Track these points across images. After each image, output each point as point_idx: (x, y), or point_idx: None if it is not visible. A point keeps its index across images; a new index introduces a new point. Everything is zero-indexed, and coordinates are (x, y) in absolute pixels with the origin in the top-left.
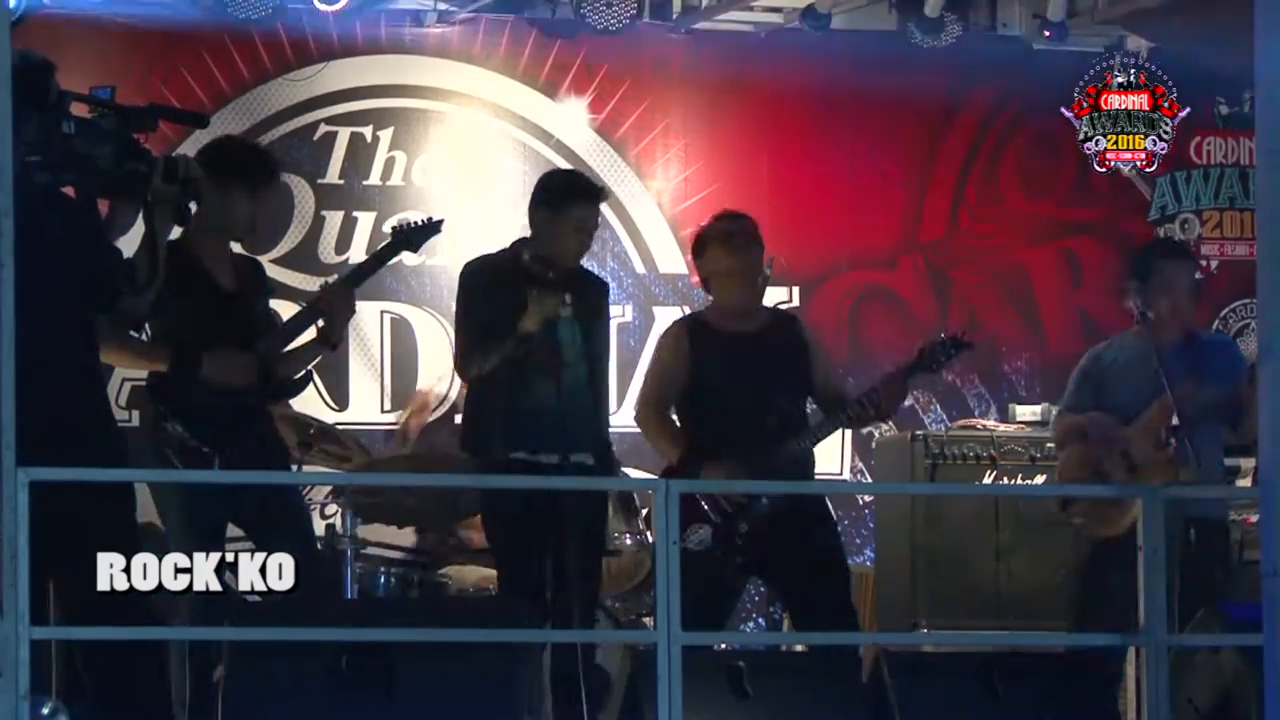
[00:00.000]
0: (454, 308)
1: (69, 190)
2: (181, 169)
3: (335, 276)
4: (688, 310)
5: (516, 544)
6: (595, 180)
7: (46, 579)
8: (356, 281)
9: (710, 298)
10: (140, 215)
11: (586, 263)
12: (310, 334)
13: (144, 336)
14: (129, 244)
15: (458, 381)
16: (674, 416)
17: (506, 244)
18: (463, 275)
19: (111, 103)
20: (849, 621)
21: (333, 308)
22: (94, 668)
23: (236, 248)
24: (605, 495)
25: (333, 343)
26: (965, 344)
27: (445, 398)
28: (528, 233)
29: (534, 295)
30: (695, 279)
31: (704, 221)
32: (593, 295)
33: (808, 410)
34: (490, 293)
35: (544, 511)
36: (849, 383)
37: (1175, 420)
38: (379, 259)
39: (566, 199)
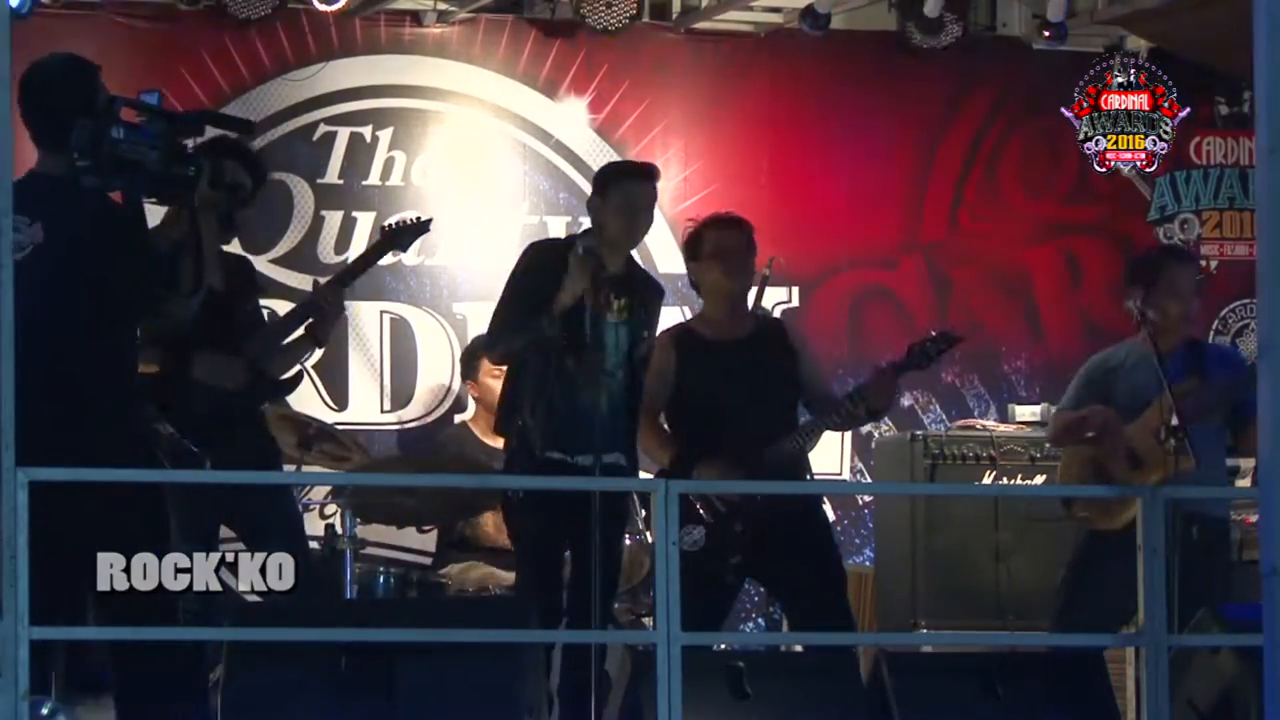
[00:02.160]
0: (446, 310)
1: (115, 195)
2: (229, 175)
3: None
4: (688, 311)
5: (540, 542)
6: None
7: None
8: (346, 281)
9: (700, 300)
10: (187, 220)
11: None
12: (299, 332)
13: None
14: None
15: (458, 382)
16: (663, 423)
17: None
18: (521, 256)
19: (159, 108)
20: (844, 622)
21: (323, 307)
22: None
23: (229, 246)
24: (628, 496)
25: (320, 341)
26: (955, 338)
27: (447, 395)
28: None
29: (576, 258)
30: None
31: (699, 217)
32: (647, 298)
33: (798, 414)
34: (537, 272)
35: (570, 511)
36: (842, 378)
37: (1175, 419)
38: (367, 259)
39: (614, 179)
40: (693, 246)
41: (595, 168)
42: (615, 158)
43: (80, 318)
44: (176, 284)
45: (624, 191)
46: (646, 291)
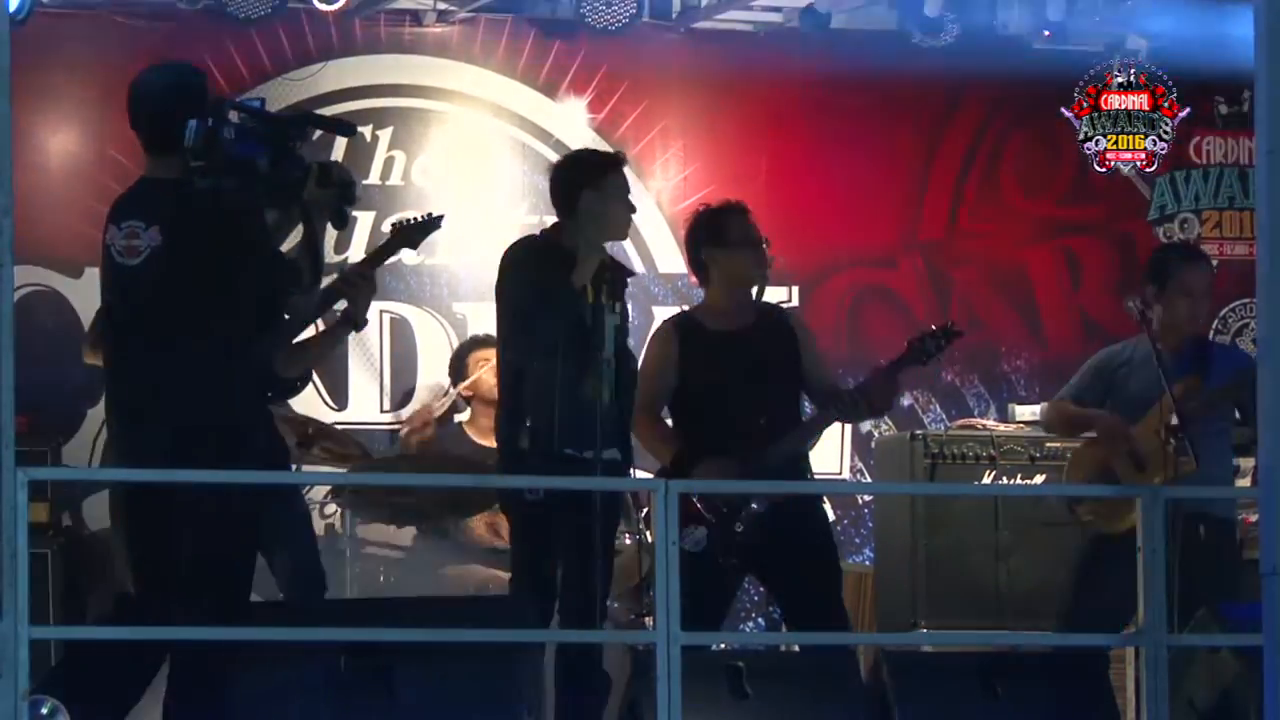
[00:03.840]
0: (446, 310)
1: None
2: (335, 174)
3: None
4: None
5: (537, 541)
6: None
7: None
8: (374, 264)
9: (703, 291)
10: (299, 219)
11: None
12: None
13: None
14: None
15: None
16: (666, 418)
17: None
18: (504, 257)
19: (264, 110)
20: (840, 623)
21: (356, 291)
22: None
23: None
24: (621, 494)
25: (359, 324)
26: (954, 333)
27: (446, 400)
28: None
29: (583, 250)
30: (693, 277)
31: (708, 202)
32: (622, 283)
33: (801, 407)
34: (533, 268)
35: (567, 508)
36: (842, 377)
37: (1175, 419)
38: (380, 255)
39: (603, 170)
40: (714, 233)
41: None
42: None
43: (209, 320)
44: (298, 280)
45: (617, 182)
46: (620, 273)
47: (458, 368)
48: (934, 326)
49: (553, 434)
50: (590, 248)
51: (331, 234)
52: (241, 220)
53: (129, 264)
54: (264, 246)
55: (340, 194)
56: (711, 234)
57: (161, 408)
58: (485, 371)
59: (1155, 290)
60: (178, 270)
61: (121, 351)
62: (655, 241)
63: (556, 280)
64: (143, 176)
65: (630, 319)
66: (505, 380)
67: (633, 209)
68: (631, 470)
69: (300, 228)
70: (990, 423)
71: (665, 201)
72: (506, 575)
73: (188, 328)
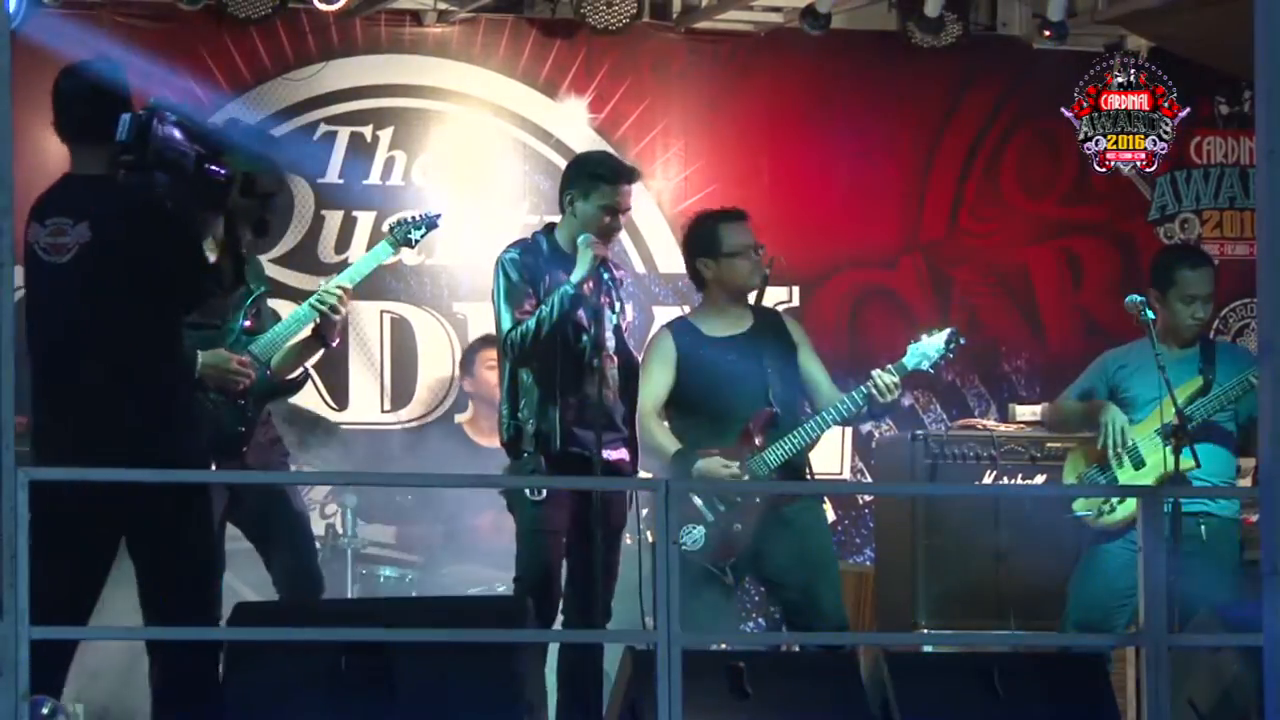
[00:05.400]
0: (446, 310)
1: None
2: (260, 185)
3: (332, 276)
4: (687, 310)
5: (543, 541)
6: (625, 161)
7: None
8: (356, 278)
9: (700, 295)
10: (221, 224)
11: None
12: (306, 332)
13: None
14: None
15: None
16: (663, 420)
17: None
18: (499, 259)
19: (194, 118)
20: (840, 623)
21: (325, 313)
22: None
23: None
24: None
25: (328, 343)
26: (959, 339)
27: (448, 394)
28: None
29: (584, 247)
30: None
31: (702, 210)
32: (618, 279)
33: (801, 408)
34: (529, 269)
35: (573, 508)
36: (844, 383)
37: (1176, 420)
38: (377, 257)
39: (593, 180)
40: (708, 243)
41: None
42: None
43: (138, 314)
44: (219, 283)
45: (602, 191)
46: (620, 274)
47: (467, 363)
48: (938, 332)
49: (554, 434)
50: (586, 248)
51: (334, 237)
52: (170, 216)
53: (57, 261)
54: (193, 245)
55: (262, 204)
56: (704, 244)
57: (80, 405)
58: (489, 372)
59: (1157, 292)
60: (107, 265)
61: (44, 349)
62: (655, 241)
63: (556, 280)
64: (68, 174)
65: (630, 319)
66: (508, 382)
67: (616, 227)
68: (637, 471)
69: (222, 232)
70: (990, 423)
71: (665, 201)
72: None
73: (116, 324)
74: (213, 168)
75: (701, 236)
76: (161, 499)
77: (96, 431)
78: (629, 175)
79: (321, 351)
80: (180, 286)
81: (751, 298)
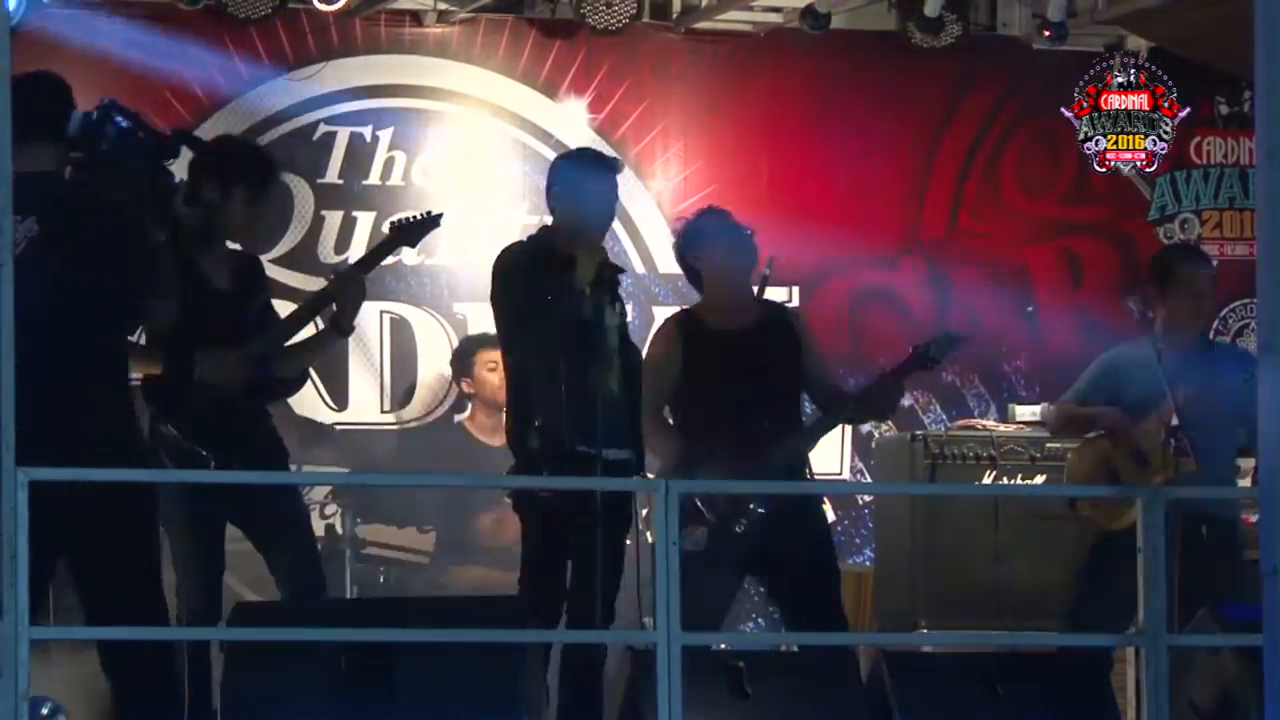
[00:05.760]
0: (446, 310)
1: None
2: (204, 197)
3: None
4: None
5: (548, 541)
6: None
7: None
8: (364, 269)
9: (702, 292)
10: (167, 230)
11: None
12: (318, 325)
13: (139, 339)
14: None
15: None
16: (668, 417)
17: (524, 237)
18: (496, 263)
19: (145, 122)
20: (840, 623)
21: (344, 294)
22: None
23: (234, 246)
24: (633, 495)
25: (345, 330)
26: (959, 339)
27: (448, 395)
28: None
29: (584, 248)
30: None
31: (697, 210)
32: (617, 279)
33: (803, 407)
34: (528, 270)
35: (578, 509)
36: (845, 379)
37: (1175, 420)
38: (378, 254)
39: (602, 167)
40: (692, 237)
41: None
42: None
43: (80, 312)
44: (156, 286)
45: (598, 185)
46: (614, 269)
47: (461, 364)
48: (940, 332)
49: (561, 433)
50: (586, 247)
51: (334, 237)
52: (117, 214)
53: None
54: (140, 245)
55: (204, 216)
56: (689, 240)
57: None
58: (490, 373)
59: (1158, 291)
60: (51, 261)
61: None
62: (655, 241)
63: (555, 280)
64: (15, 173)
65: (630, 318)
66: (512, 383)
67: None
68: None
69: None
70: (990, 423)
71: (665, 201)
72: (510, 575)
73: (59, 321)
74: (158, 174)
75: (684, 234)
76: (101, 504)
77: (48, 426)
78: (612, 166)
79: (332, 340)
80: (126, 284)
81: (754, 290)
